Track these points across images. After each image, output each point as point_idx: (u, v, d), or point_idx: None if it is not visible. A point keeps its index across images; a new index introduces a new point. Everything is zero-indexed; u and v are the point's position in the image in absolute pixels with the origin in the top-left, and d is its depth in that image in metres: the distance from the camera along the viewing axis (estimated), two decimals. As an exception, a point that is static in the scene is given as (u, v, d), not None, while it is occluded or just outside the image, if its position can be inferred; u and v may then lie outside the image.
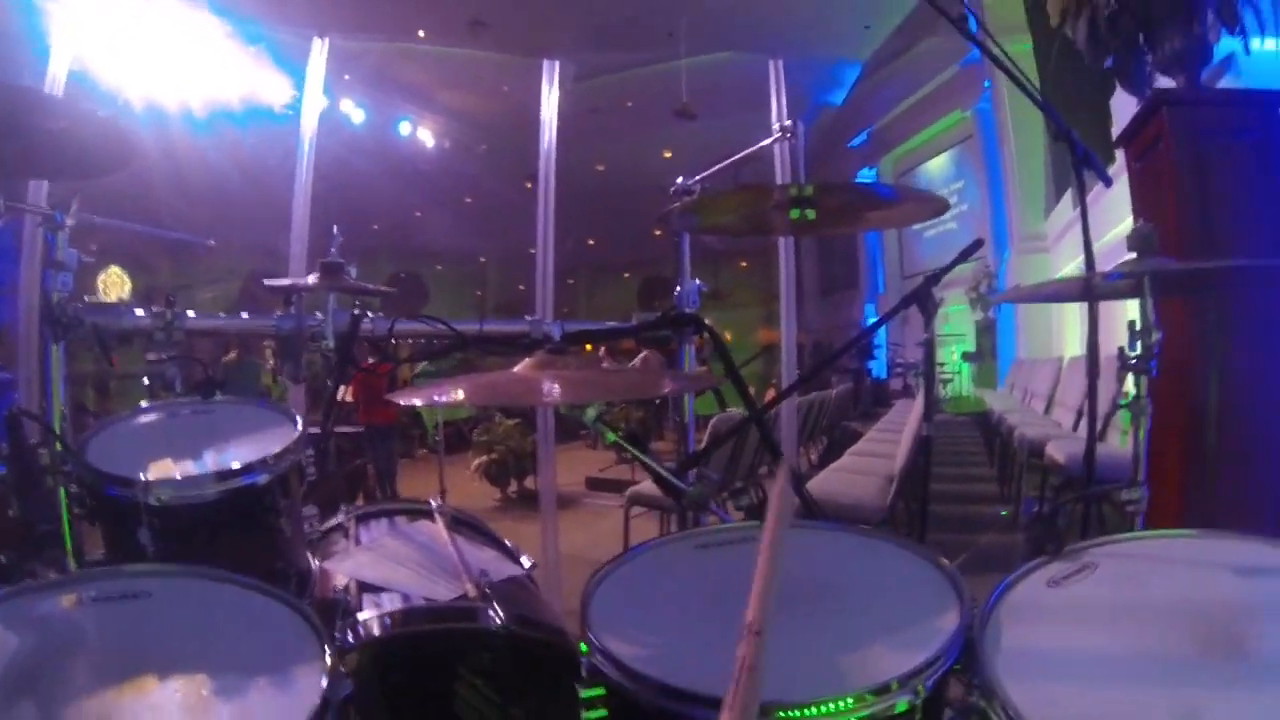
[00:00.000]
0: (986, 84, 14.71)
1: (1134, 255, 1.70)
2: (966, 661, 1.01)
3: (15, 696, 0.92)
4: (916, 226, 18.35)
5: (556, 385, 1.29)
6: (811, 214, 1.63)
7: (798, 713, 0.89)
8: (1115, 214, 4.75)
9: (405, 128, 14.26)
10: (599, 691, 1.01)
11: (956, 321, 16.69)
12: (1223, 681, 0.90)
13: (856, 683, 0.93)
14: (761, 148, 2.40)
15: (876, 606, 1.15)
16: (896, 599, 1.17)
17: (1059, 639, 1.04)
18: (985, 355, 15.67)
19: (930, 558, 1.25)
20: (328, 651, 1.03)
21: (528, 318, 2.23)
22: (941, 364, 16.39)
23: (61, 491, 1.62)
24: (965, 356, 16.23)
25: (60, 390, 1.96)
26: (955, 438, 10.71)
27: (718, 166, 2.32)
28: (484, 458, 7.86)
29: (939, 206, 1.79)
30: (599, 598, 1.17)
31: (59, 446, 1.66)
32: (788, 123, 2.31)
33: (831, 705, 0.90)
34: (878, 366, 18.06)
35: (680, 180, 2.21)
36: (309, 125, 3.74)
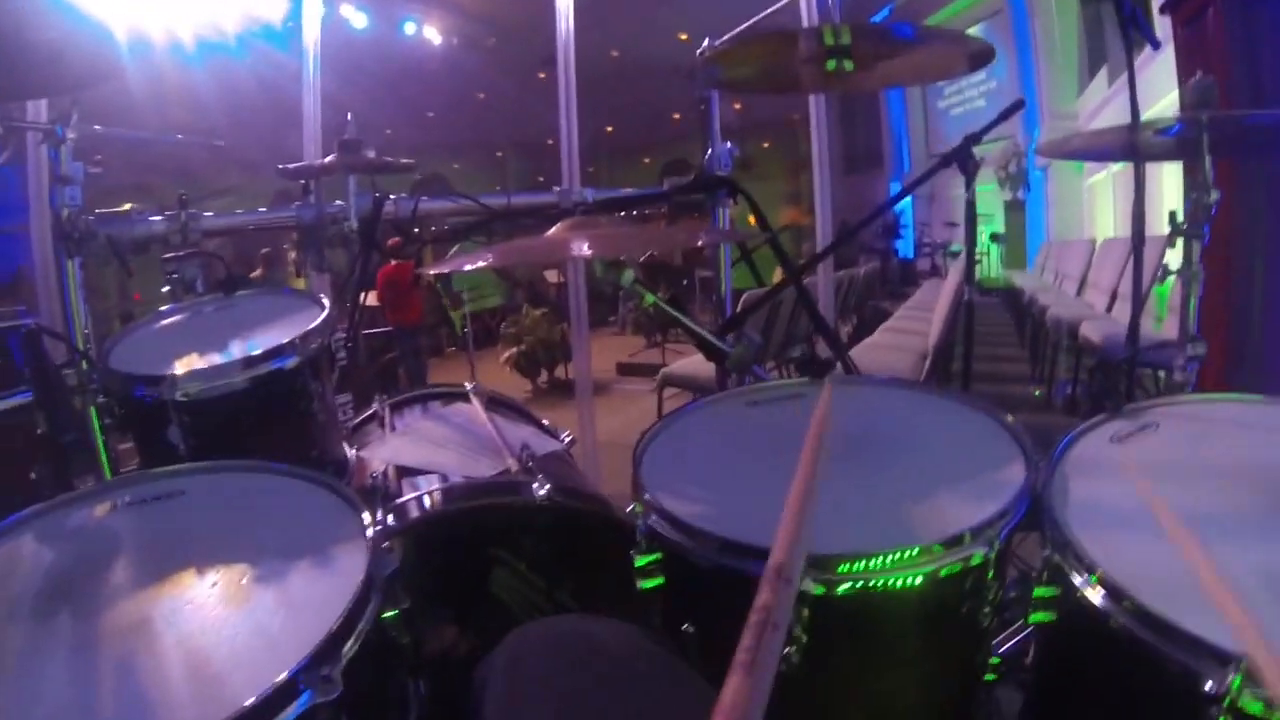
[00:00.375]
0: (1019, -47, 14.13)
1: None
2: (1034, 515, 0.99)
3: (52, 608, 0.89)
4: (942, 104, 17.95)
5: (588, 243, 1.23)
6: (849, 64, 1.52)
7: (862, 564, 0.86)
8: (1152, 90, 4.51)
9: (410, 28, 13.91)
10: (655, 557, 0.97)
11: (984, 201, 16.36)
12: None
13: (926, 534, 0.90)
14: (777, 9, 2.26)
15: (940, 458, 1.12)
16: (960, 451, 1.14)
17: (1127, 493, 1.01)
18: (1014, 236, 15.42)
19: (993, 413, 1.22)
20: (368, 528, 0.99)
21: (555, 188, 2.14)
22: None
23: (92, 410, 1.58)
24: (993, 237, 15.96)
25: (80, 306, 1.92)
26: (985, 318, 10.60)
27: (745, 24, 2.20)
28: (513, 350, 7.84)
29: (983, 51, 1.67)
30: (650, 457, 1.13)
31: (83, 362, 1.61)
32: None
33: (897, 555, 0.87)
34: (904, 246, 17.83)
35: (707, 41, 2.09)
36: (311, 34, 3.60)
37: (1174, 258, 1.68)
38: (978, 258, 11.26)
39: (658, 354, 8.52)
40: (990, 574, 0.93)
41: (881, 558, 0.86)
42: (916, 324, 5.65)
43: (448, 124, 17.06)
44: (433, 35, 14.37)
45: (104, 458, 1.66)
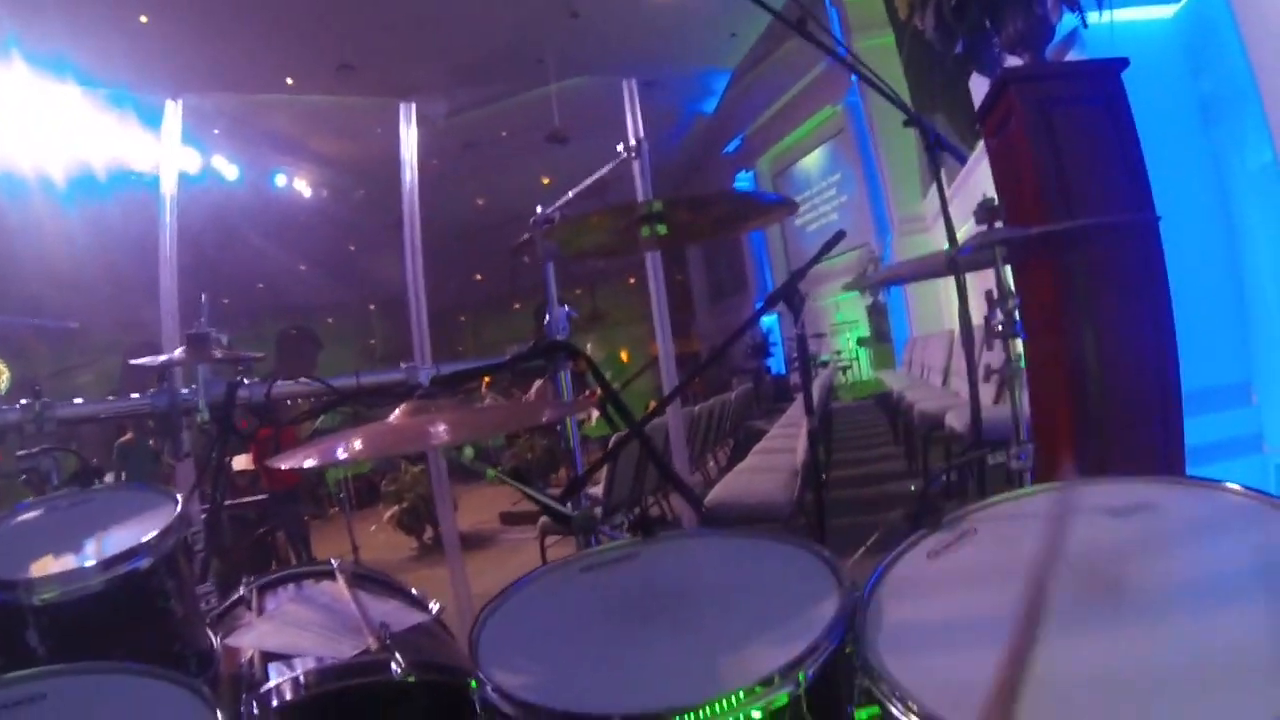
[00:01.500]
0: (854, 78, 15.15)
1: (983, 227, 1.80)
2: (853, 645, 1.02)
3: None
4: (798, 222, 18.82)
5: (440, 427, 1.30)
6: (663, 229, 1.68)
7: (691, 715, 0.92)
8: (987, 188, 4.92)
9: (281, 179, 13.98)
10: (496, 726, 1.03)
11: (847, 309, 17.16)
12: (1102, 622, 0.93)
13: (741, 680, 0.95)
14: (616, 167, 2.44)
15: (756, 604, 1.19)
16: (776, 594, 1.20)
17: (940, 609, 1.07)
18: (881, 338, 16.12)
19: (810, 548, 1.29)
20: (221, 723, 1.02)
21: (403, 365, 2.23)
22: (838, 352, 16.83)
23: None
24: (860, 342, 16.67)
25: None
26: (859, 421, 10.99)
27: (574, 191, 2.37)
28: (395, 508, 7.76)
29: (788, 209, 1.86)
30: (488, 633, 1.19)
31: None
32: (633, 141, 2.36)
33: (720, 704, 0.92)
34: (775, 363, 18.39)
35: (540, 210, 2.25)
36: (168, 189, 3.64)
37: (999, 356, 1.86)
38: (848, 363, 11.70)
39: (538, 503, 8.49)
40: (805, 709, 0.97)
41: (707, 708, 0.92)
42: (788, 441, 5.82)
43: (320, 277, 16.99)
44: (303, 187, 14.48)
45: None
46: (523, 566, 1.37)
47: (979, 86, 5.29)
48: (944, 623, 1.03)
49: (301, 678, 1.45)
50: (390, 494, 7.86)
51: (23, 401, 2.01)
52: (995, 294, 1.82)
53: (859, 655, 0.99)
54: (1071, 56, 3.88)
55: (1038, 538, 1.15)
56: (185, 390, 2.13)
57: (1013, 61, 3.47)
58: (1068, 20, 3.47)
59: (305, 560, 6.90)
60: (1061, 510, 1.22)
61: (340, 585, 1.86)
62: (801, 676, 0.97)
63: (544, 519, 4.40)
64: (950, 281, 2.03)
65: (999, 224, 1.76)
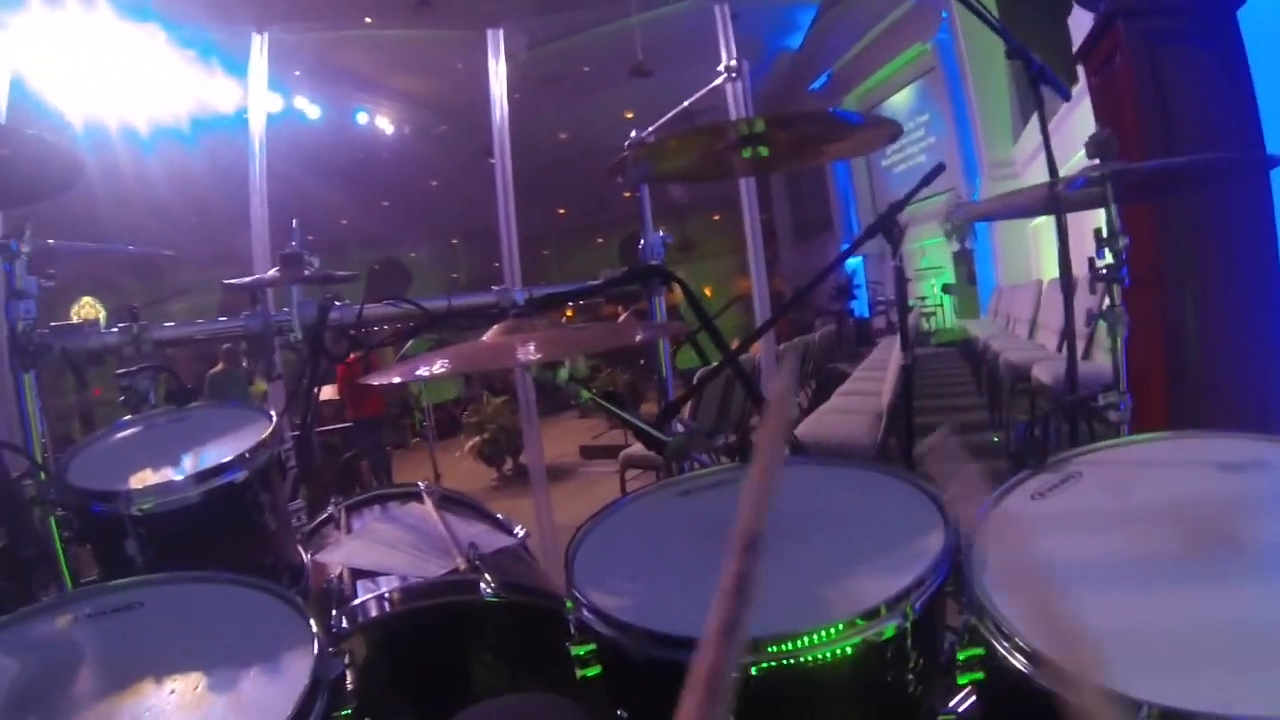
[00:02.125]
0: (944, 14, 14.62)
1: (1095, 161, 1.70)
2: (956, 581, 1.01)
3: (19, 718, 0.94)
4: (885, 163, 18.37)
5: (529, 346, 1.28)
6: (764, 150, 1.62)
7: (789, 645, 0.90)
8: (1081, 133, 4.70)
9: (362, 118, 14.12)
10: (590, 647, 1.01)
11: (934, 254, 16.73)
12: (1212, 576, 0.90)
13: (845, 609, 0.93)
14: (710, 90, 2.38)
15: (861, 534, 1.16)
16: (881, 525, 1.17)
17: (1047, 550, 1.03)
18: (965, 285, 15.72)
19: (914, 481, 1.26)
20: (315, 633, 1.04)
21: (494, 288, 2.22)
22: (923, 298, 16.47)
23: (51, 520, 1.62)
24: (945, 289, 16.27)
25: (38, 418, 1.95)
26: (942, 369, 10.77)
27: (668, 116, 2.31)
28: (476, 439, 7.89)
29: (893, 131, 1.77)
30: (583, 554, 1.18)
31: (41, 474, 1.65)
32: (733, 62, 2.29)
33: (822, 633, 0.90)
34: (860, 305, 18.11)
35: (634, 133, 2.19)
36: (257, 124, 3.68)
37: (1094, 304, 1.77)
38: (932, 309, 11.44)
39: (621, 435, 8.60)
40: (909, 643, 0.96)
41: (808, 637, 0.90)
42: (872, 384, 5.75)
43: (402, 212, 17.22)
44: (384, 125, 14.60)
45: (64, 567, 1.69)
46: (603, 498, 1.35)
47: (1077, 24, 5.05)
48: (1051, 564, 1.00)
49: (390, 594, 1.47)
50: (472, 425, 7.99)
51: (121, 324, 2.05)
52: (1105, 233, 1.72)
53: (965, 591, 0.97)
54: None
55: (1145, 485, 1.14)
56: (277, 313, 2.14)
57: (1119, -4, 3.28)
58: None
59: (386, 486, 7.09)
60: (1170, 460, 1.20)
61: (428, 506, 1.88)
62: (909, 610, 0.95)
63: (625, 451, 4.43)
64: (1040, 231, 1.94)
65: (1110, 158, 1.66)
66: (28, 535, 1.55)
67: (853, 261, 17.45)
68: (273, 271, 2.00)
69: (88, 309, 13.33)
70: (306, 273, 1.97)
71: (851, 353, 13.56)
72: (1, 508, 1.53)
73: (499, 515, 1.99)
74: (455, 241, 22.06)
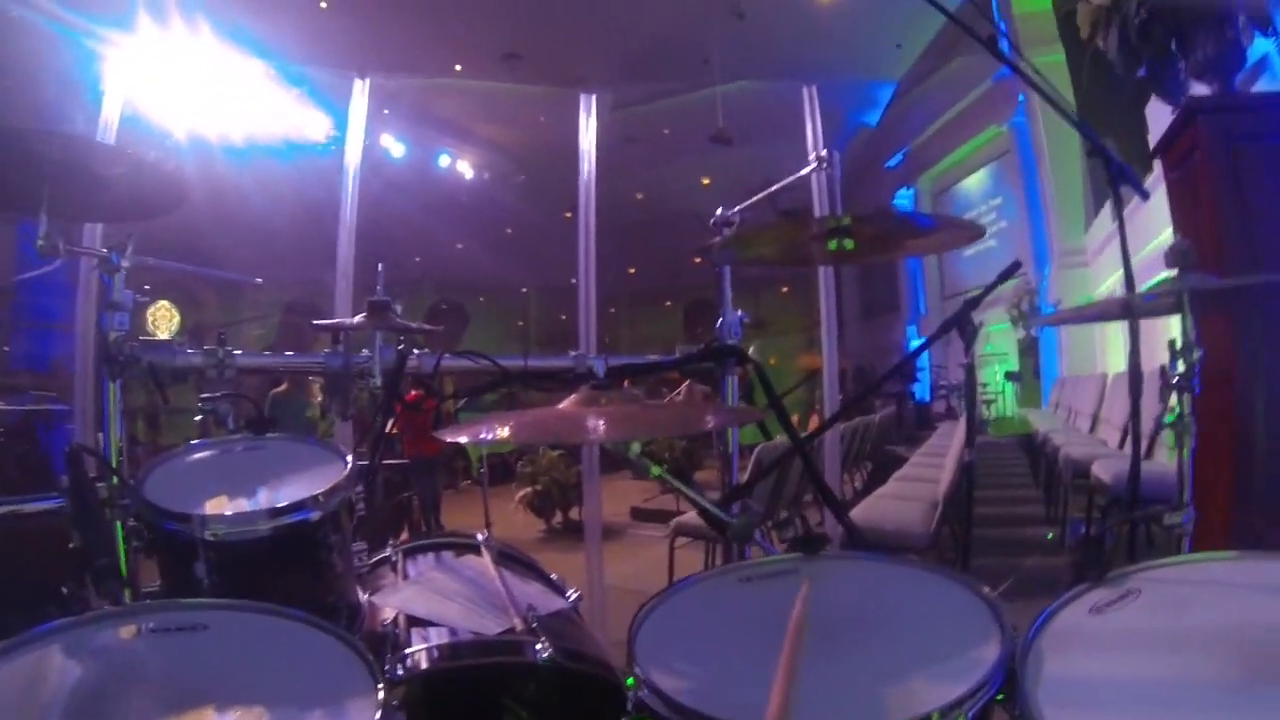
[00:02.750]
0: (1021, 98, 14.61)
1: (1173, 271, 1.69)
2: (1009, 692, 1.00)
3: None
4: (956, 246, 18.25)
5: (601, 422, 1.30)
6: (850, 243, 1.64)
7: None
8: (1155, 225, 4.67)
9: (444, 161, 14.51)
10: (645, 722, 1.02)
11: (998, 341, 16.51)
12: (1271, 709, 0.88)
13: (900, 714, 0.94)
14: (798, 178, 2.41)
15: (917, 638, 1.16)
16: (937, 629, 1.17)
17: (1102, 668, 1.02)
18: (1028, 374, 15.47)
19: (972, 586, 1.25)
20: (380, 685, 1.05)
21: (572, 353, 2.25)
22: (984, 384, 16.22)
23: (119, 525, 1.67)
24: (1008, 376, 16.01)
25: (117, 426, 2.02)
26: (1000, 459, 10.58)
27: (755, 197, 2.34)
28: (528, 489, 7.91)
29: (974, 234, 1.79)
30: (645, 632, 1.19)
31: (116, 481, 1.70)
32: (823, 152, 2.32)
33: None
34: (920, 389, 17.92)
35: (720, 211, 2.23)
36: (352, 163, 3.81)
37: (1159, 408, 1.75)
38: (993, 396, 11.26)
39: (673, 499, 8.55)
40: None
41: None
42: (929, 471, 5.67)
43: (475, 256, 17.52)
44: (465, 169, 14.97)
45: (124, 575, 1.73)
46: (651, 562, 1.36)
47: (1154, 115, 5.03)
48: (1105, 682, 0.99)
49: (446, 647, 1.48)
50: (525, 474, 8.03)
51: (207, 347, 2.12)
52: (1179, 344, 1.71)
53: (1018, 704, 0.97)
54: (1261, 85, 3.64)
55: (1206, 607, 1.12)
56: (357, 355, 2.20)
57: (1198, 89, 3.27)
58: (1259, 45, 3.25)
59: (434, 527, 7.12)
60: (1236, 583, 1.17)
61: (486, 560, 1.89)
62: (962, 718, 0.95)
63: (677, 520, 4.41)
64: (1105, 324, 1.91)
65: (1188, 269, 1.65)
66: (102, 542, 1.59)
67: (915, 344, 17.33)
68: (359, 317, 2.06)
69: (163, 312, 13.72)
70: (393, 319, 2.03)
71: (910, 436, 13.40)
72: (79, 512, 1.58)
73: (553, 575, 2.00)
74: (525, 291, 22.35)
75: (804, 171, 2.41)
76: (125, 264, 1.95)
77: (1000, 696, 1.00)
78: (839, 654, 1.11)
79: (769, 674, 1.05)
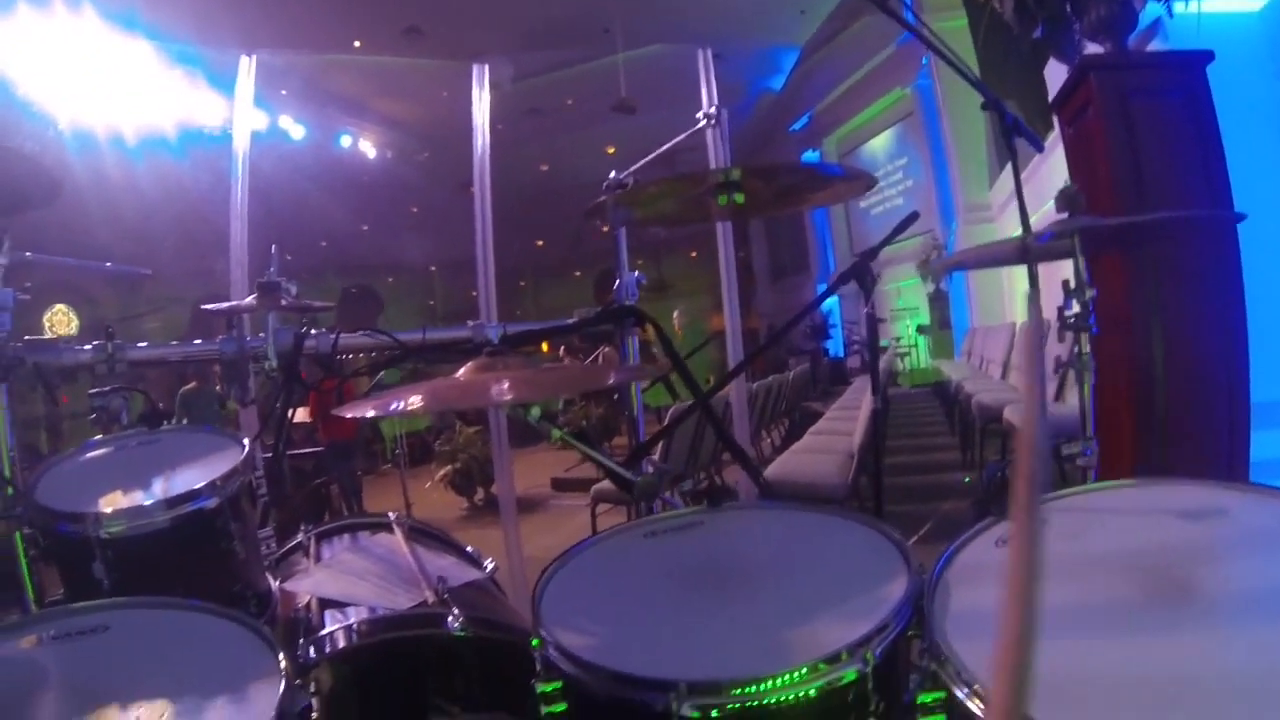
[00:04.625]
0: (925, 60, 14.86)
1: (1064, 215, 1.75)
2: (918, 628, 1.03)
3: None
4: (863, 204, 18.57)
5: (505, 385, 1.30)
6: (740, 198, 1.65)
7: (752, 688, 0.92)
8: (1056, 180, 4.79)
9: (346, 140, 14.15)
10: (556, 685, 1.03)
11: (909, 295, 16.92)
12: (1170, 625, 0.92)
13: (808, 654, 0.95)
14: (690, 135, 2.42)
15: (824, 580, 1.18)
16: (844, 571, 1.19)
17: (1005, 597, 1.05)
18: (939, 326, 15.89)
19: (879, 528, 1.28)
20: (283, 666, 1.04)
21: (470, 323, 2.24)
22: (898, 338, 16.63)
23: (16, 535, 1.61)
24: (920, 329, 16.43)
25: (6, 433, 1.94)
26: (916, 409, 10.86)
27: (648, 158, 2.34)
28: (448, 468, 7.86)
29: (868, 183, 1.82)
30: (550, 593, 1.19)
31: (9, 490, 1.64)
32: (712, 109, 2.33)
33: (784, 678, 0.92)
34: (834, 345, 18.25)
35: (613, 174, 2.22)
36: (241, 145, 3.68)
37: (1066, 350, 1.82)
38: (907, 350, 11.55)
39: (593, 469, 8.56)
40: (870, 687, 0.97)
41: (764, 681, 0.92)
42: (844, 424, 5.79)
43: (382, 237, 17.19)
44: (368, 148, 14.62)
45: (29, 584, 1.68)
46: (574, 532, 1.37)
47: (1052, 75, 5.17)
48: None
49: (358, 625, 1.47)
50: (444, 453, 7.97)
51: (95, 342, 2.05)
52: (1072, 284, 1.77)
53: (926, 637, 0.99)
54: (1154, 46, 3.77)
55: (1107, 533, 1.16)
56: (253, 338, 2.15)
57: (1093, 49, 3.37)
58: (1152, 9, 3.36)
59: (356, 512, 7.03)
60: (1134, 509, 1.22)
61: (397, 538, 1.88)
62: (870, 655, 0.97)
63: (596, 486, 4.44)
64: (1013, 273, 1.97)
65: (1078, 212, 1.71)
66: (-2, 553, 1.55)
67: (828, 302, 17.62)
68: (250, 299, 2.01)
69: (60, 316, 13.21)
70: (284, 302, 1.99)
71: (825, 391, 13.65)
72: (-31, 523, 1.53)
73: (469, 548, 2.00)
74: (433, 269, 22.02)
75: (695, 128, 2.42)
76: (2, 261, 1.87)
77: (914, 632, 1.03)
78: (744, 600, 1.13)
79: (673, 625, 1.07)
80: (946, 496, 5.55)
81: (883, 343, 15.89)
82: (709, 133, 2.86)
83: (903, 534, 1.24)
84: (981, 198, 13.87)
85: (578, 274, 22.45)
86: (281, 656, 1.06)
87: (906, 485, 6.26)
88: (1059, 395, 4.83)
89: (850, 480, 3.91)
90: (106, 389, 1.93)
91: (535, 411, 1.34)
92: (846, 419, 6.13)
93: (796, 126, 20.20)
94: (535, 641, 1.07)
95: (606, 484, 4.40)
